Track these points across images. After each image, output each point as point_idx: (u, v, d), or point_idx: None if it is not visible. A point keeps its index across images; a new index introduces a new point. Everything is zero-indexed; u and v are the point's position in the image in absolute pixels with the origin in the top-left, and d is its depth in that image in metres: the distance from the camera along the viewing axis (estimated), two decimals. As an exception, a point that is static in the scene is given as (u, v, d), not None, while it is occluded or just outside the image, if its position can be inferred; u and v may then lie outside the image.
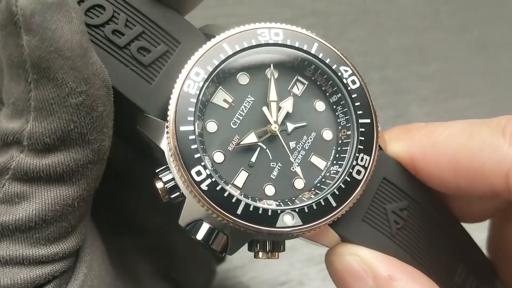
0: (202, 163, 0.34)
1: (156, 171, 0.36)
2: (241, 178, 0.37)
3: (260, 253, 0.37)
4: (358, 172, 0.37)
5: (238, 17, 0.83)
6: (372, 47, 0.86)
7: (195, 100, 0.35)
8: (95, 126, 0.33)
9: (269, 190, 0.37)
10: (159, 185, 0.35)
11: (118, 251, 0.41)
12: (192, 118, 0.34)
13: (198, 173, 0.34)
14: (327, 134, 0.39)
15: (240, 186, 0.37)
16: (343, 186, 0.36)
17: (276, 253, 0.38)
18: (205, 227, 0.36)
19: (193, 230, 0.36)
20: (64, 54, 0.30)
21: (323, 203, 0.36)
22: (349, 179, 0.36)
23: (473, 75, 0.88)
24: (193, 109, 0.35)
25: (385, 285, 0.37)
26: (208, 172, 0.34)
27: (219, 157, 0.36)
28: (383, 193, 0.40)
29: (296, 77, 0.39)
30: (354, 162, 0.37)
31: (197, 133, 0.35)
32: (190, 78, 0.35)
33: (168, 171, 0.36)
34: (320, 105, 0.39)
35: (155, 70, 0.36)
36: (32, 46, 0.29)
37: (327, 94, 0.39)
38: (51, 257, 0.33)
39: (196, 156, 0.34)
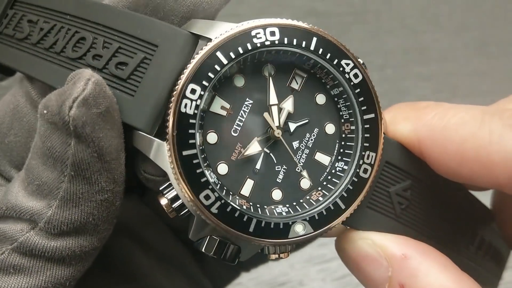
0: (210, 186, 0.33)
1: (160, 189, 0.35)
2: (247, 186, 0.36)
3: (272, 256, 0.37)
4: (365, 171, 0.36)
5: (238, 17, 0.83)
6: (372, 47, 0.86)
7: (195, 121, 0.33)
8: (110, 218, 0.35)
9: (276, 194, 0.36)
10: (163, 201, 0.34)
11: None
12: (193, 141, 0.33)
13: (207, 197, 0.33)
14: (330, 128, 0.37)
15: (247, 195, 0.36)
16: (351, 188, 0.36)
17: (287, 253, 0.37)
18: (214, 242, 0.35)
19: (204, 245, 0.35)
20: (104, 159, 0.32)
21: (332, 208, 0.35)
22: (356, 180, 0.36)
23: (473, 75, 0.88)
24: (193, 131, 0.33)
25: (400, 265, 0.36)
26: (217, 195, 0.33)
27: (223, 168, 0.35)
28: (386, 177, 0.39)
29: (294, 71, 0.37)
30: (361, 161, 0.36)
31: (200, 155, 0.33)
32: (186, 97, 0.33)
33: (172, 188, 0.34)
34: (320, 98, 0.37)
35: (135, 81, 0.35)
36: (78, 150, 0.31)
37: (328, 86, 0.37)
38: None
39: (202, 180, 0.33)
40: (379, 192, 0.39)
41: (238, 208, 0.34)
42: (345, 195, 0.36)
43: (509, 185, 0.36)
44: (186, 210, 0.34)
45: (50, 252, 0.33)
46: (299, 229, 0.35)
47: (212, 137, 0.35)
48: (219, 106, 0.35)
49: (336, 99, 0.37)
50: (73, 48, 0.36)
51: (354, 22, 0.87)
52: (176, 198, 0.34)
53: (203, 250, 0.35)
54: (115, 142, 0.33)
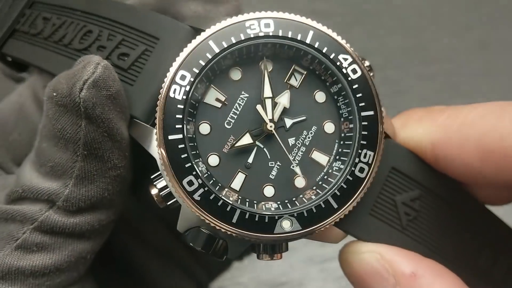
0: (194, 172, 0.33)
1: (152, 177, 0.35)
2: (238, 180, 0.35)
3: (263, 255, 0.36)
4: (361, 170, 0.34)
5: (238, 17, 0.83)
6: (372, 47, 0.86)
7: (182, 106, 0.33)
8: (123, 191, 0.36)
9: (268, 191, 0.35)
10: (153, 191, 0.34)
11: None
12: (180, 126, 0.33)
13: (190, 183, 0.33)
14: (329, 127, 0.36)
15: (238, 189, 0.35)
16: (345, 186, 0.34)
17: (279, 254, 0.36)
18: (203, 235, 0.35)
19: (191, 238, 0.35)
20: (115, 138, 0.33)
21: (323, 206, 0.34)
22: (351, 178, 0.34)
23: (473, 75, 0.87)
24: (181, 116, 0.33)
25: (408, 283, 0.34)
26: (200, 182, 0.33)
27: (214, 160, 0.35)
28: (392, 184, 0.37)
29: (293, 67, 0.36)
30: (357, 160, 0.34)
31: (187, 141, 0.33)
32: (175, 83, 0.33)
33: (161, 177, 0.35)
34: (320, 96, 0.36)
35: (135, 71, 0.35)
36: (90, 130, 0.33)
37: (327, 84, 0.36)
38: None
39: (187, 165, 0.33)
40: (384, 200, 0.37)
41: (222, 197, 0.33)
42: (338, 193, 0.34)
43: None
44: (174, 199, 0.34)
45: (70, 228, 0.34)
46: (286, 225, 0.34)
47: (204, 128, 0.35)
48: (214, 97, 0.35)
49: (335, 97, 0.36)
50: (80, 40, 0.37)
51: (354, 22, 0.87)
52: (165, 187, 0.34)
53: (191, 243, 0.35)
54: (124, 124, 0.34)
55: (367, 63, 0.36)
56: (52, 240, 0.34)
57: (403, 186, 0.38)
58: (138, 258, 0.46)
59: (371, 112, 0.35)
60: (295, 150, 0.36)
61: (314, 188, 0.36)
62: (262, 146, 0.36)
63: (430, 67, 0.87)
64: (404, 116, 0.40)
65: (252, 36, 0.34)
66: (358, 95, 0.35)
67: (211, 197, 0.33)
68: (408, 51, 0.87)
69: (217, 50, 0.34)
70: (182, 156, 0.33)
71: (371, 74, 0.36)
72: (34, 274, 0.33)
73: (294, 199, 0.36)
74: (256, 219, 0.33)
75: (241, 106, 0.35)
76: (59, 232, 0.34)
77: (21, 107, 0.40)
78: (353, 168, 0.35)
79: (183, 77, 0.33)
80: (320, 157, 0.36)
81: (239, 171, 0.35)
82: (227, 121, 0.35)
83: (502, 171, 0.34)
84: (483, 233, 0.40)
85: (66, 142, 0.33)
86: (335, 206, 0.34)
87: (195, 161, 0.34)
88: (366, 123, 0.35)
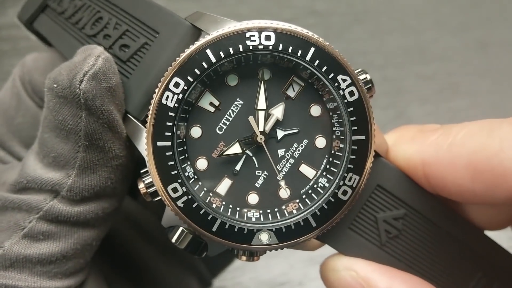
0: (179, 180, 0.33)
1: (141, 171, 0.35)
2: (224, 186, 0.36)
3: (241, 256, 0.37)
4: (344, 193, 0.35)
5: (238, 17, 0.83)
6: (372, 47, 0.86)
7: (173, 114, 0.33)
8: (125, 179, 0.37)
9: (253, 199, 0.36)
10: (140, 186, 0.35)
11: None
12: (170, 133, 0.33)
13: (175, 190, 0.34)
14: (320, 142, 0.36)
15: (223, 194, 0.36)
16: (326, 207, 0.35)
17: (257, 257, 0.37)
18: (182, 233, 0.35)
19: (174, 236, 0.35)
20: (115, 130, 0.34)
21: (302, 223, 0.35)
22: (333, 200, 0.35)
23: (473, 75, 0.88)
24: (171, 124, 0.33)
25: None
26: (185, 189, 0.34)
27: (202, 163, 0.35)
28: (376, 201, 0.38)
29: (292, 78, 0.36)
30: (341, 182, 0.35)
31: (176, 148, 0.34)
32: (169, 89, 0.33)
33: (150, 175, 0.35)
34: (315, 110, 0.36)
35: (133, 64, 0.36)
36: (90, 121, 0.33)
37: (324, 99, 0.36)
38: None
39: (173, 173, 0.33)
40: (365, 216, 0.38)
41: (204, 206, 0.34)
42: (318, 213, 0.35)
43: None
44: (159, 197, 0.35)
45: (74, 217, 0.35)
46: (264, 238, 0.35)
47: (196, 131, 0.35)
48: (208, 102, 0.35)
49: (331, 113, 0.36)
50: (91, 26, 0.38)
51: (354, 22, 0.87)
52: (151, 185, 0.35)
53: (172, 240, 0.35)
54: (121, 117, 0.35)
55: (368, 77, 0.36)
56: (58, 229, 0.34)
57: (387, 204, 0.38)
58: (141, 254, 0.47)
59: (363, 137, 0.35)
60: (284, 162, 0.36)
61: (297, 201, 0.36)
62: (251, 155, 0.36)
63: (430, 67, 0.87)
64: (397, 133, 0.40)
65: (251, 48, 0.34)
66: (352, 118, 0.35)
67: (194, 205, 0.34)
68: (408, 51, 0.87)
69: (213, 60, 0.33)
70: (169, 163, 0.34)
71: (372, 92, 0.36)
72: (42, 261, 0.34)
73: (276, 209, 0.36)
74: (236, 230, 0.34)
75: (235, 113, 0.36)
76: (64, 221, 0.34)
77: (18, 92, 0.41)
78: (336, 191, 0.35)
79: (176, 85, 0.33)
80: (308, 170, 0.36)
81: (226, 177, 0.36)
82: (219, 126, 0.36)
83: (493, 190, 0.34)
84: (476, 256, 0.40)
85: (67, 133, 0.34)
86: (314, 224, 0.35)
87: (183, 166, 0.34)
88: (356, 147, 0.35)
